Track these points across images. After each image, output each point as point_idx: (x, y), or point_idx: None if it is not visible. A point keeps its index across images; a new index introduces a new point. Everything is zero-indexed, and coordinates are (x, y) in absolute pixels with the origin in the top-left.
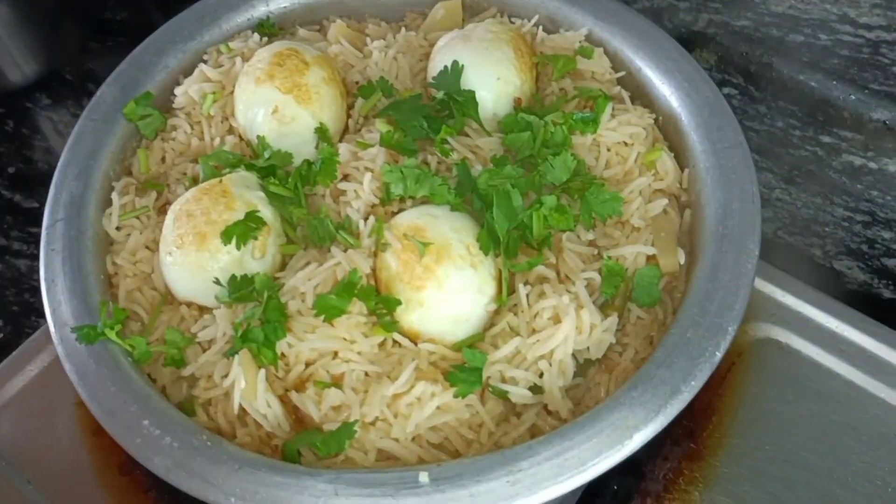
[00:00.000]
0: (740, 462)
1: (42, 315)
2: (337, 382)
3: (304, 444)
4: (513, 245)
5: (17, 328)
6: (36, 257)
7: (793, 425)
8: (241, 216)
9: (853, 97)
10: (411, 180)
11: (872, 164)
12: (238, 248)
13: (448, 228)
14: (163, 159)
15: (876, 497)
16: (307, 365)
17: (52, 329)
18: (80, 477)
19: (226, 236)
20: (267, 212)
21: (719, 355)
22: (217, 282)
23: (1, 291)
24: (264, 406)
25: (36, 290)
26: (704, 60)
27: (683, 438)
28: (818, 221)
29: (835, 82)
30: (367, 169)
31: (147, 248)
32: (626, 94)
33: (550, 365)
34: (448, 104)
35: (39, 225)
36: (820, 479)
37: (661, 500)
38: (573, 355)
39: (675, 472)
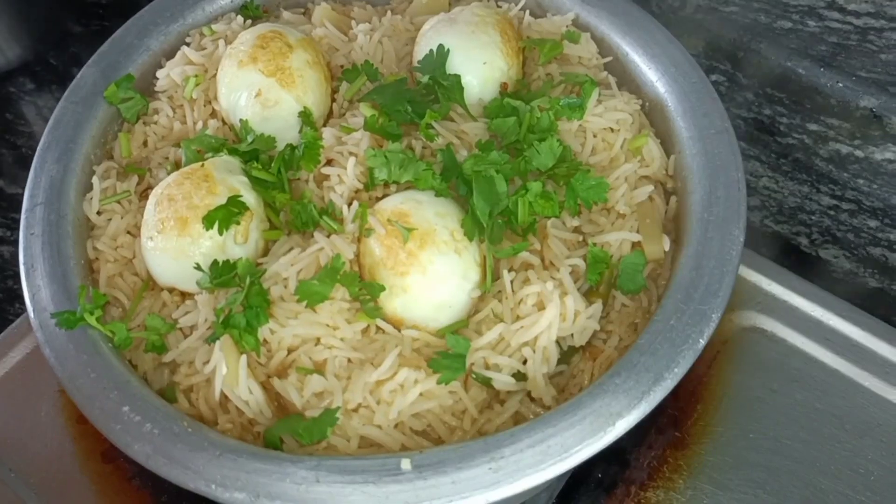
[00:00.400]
0: (724, 450)
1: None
2: (319, 369)
3: (286, 431)
4: (497, 231)
5: (0, 315)
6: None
7: (777, 414)
8: (223, 201)
9: (840, 84)
10: (395, 165)
11: (859, 153)
12: (220, 233)
13: (432, 214)
14: (145, 143)
15: (859, 485)
16: (289, 351)
17: (31, 314)
18: (62, 465)
19: (207, 221)
20: (250, 196)
21: (703, 343)
22: (198, 267)
23: None
24: (246, 392)
25: (19, 277)
26: (692, 47)
27: (668, 426)
28: (805, 210)
29: (822, 69)
30: (351, 154)
31: (128, 233)
32: (612, 80)
33: (534, 352)
34: (433, 88)
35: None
36: (804, 467)
37: (645, 488)
38: (557, 342)
39: (660, 460)
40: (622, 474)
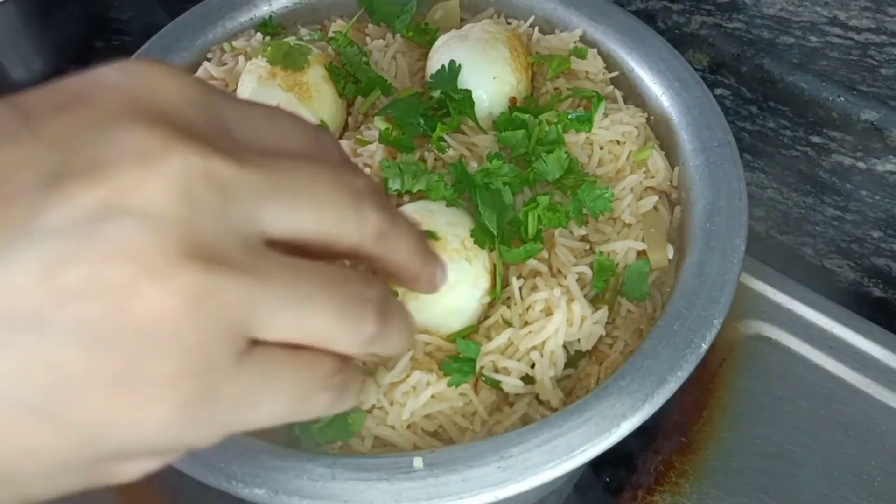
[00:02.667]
0: (730, 455)
1: None
2: None
3: (304, 432)
4: (507, 238)
5: None
6: None
7: (782, 420)
8: None
9: (842, 98)
10: (409, 176)
11: (861, 164)
12: None
13: (444, 223)
14: None
15: (861, 490)
16: None
17: None
18: None
19: None
20: None
21: (705, 347)
22: None
23: None
24: None
25: None
26: (697, 62)
27: (674, 432)
28: (809, 220)
29: (824, 83)
30: (366, 165)
31: None
32: (619, 94)
33: (542, 356)
34: (445, 102)
35: None
36: (808, 472)
37: (653, 492)
38: (564, 347)
39: (666, 464)
40: (629, 479)
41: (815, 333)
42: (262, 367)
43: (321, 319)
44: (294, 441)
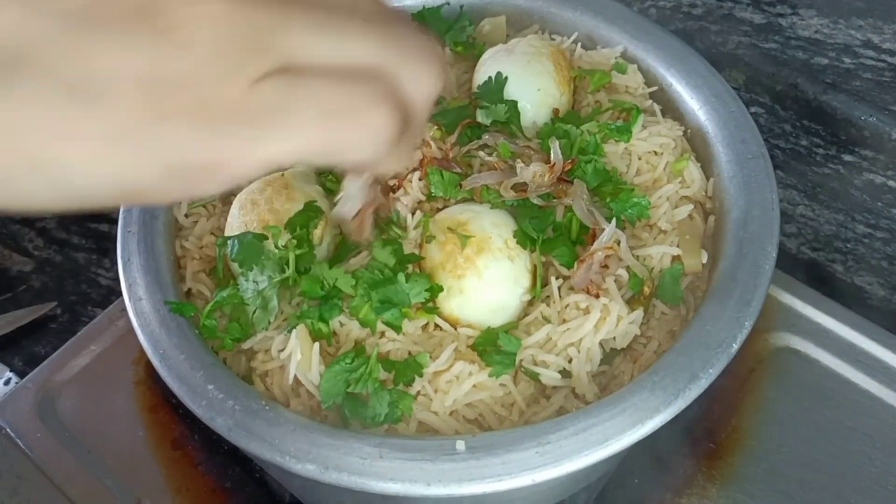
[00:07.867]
0: (757, 462)
1: (98, 304)
2: (383, 359)
3: (355, 415)
4: (548, 244)
5: (73, 316)
6: (94, 251)
7: (809, 430)
8: (300, 207)
9: (874, 118)
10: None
11: (892, 183)
12: None
13: (488, 223)
14: None
15: (887, 501)
16: (356, 343)
17: (127, 303)
18: (135, 449)
19: (290, 226)
20: (324, 204)
21: (735, 346)
22: None
23: (60, 282)
24: (318, 377)
25: (92, 282)
26: (733, 80)
27: (703, 438)
28: (840, 237)
29: (857, 103)
30: (415, 169)
31: (212, 234)
32: (657, 108)
33: (579, 352)
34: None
35: (98, 220)
36: (834, 481)
37: (680, 495)
38: (600, 344)
39: (694, 469)
40: (659, 480)
41: (844, 347)
42: (286, 82)
43: (361, 43)
44: (344, 422)
